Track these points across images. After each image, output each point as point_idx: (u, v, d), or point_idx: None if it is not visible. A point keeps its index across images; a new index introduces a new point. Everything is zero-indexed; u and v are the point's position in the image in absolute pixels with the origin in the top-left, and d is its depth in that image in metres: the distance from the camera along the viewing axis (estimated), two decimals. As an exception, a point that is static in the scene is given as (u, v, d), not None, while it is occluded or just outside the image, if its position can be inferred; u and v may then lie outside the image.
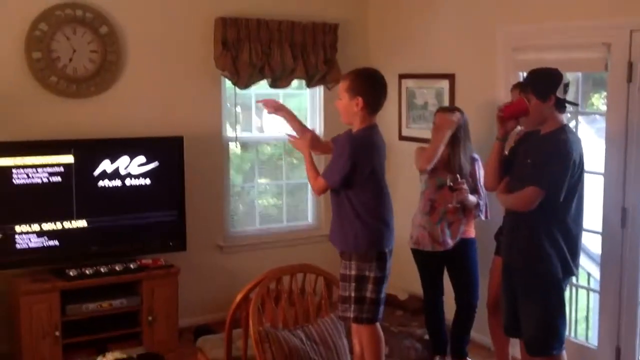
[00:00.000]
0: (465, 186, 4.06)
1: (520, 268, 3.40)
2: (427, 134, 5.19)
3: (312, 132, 3.75)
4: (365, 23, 5.78)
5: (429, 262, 4.30)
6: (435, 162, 4.14)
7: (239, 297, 3.46)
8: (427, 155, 4.18)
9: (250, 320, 3.30)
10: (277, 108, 3.80)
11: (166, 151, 4.80)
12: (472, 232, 4.28)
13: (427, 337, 4.58)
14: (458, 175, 4.08)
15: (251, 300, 3.37)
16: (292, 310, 3.53)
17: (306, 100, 5.74)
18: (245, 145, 5.51)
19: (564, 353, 3.45)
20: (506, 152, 3.58)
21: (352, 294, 3.37)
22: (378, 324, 3.48)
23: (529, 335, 3.41)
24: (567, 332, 3.65)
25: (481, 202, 4.22)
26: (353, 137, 3.41)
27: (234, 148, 5.40)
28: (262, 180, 5.65)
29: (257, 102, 3.99)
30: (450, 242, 4.19)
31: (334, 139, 3.62)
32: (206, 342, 3.85)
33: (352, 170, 3.33)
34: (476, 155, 4.27)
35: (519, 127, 3.61)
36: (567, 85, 3.40)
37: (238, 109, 5.33)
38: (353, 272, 3.37)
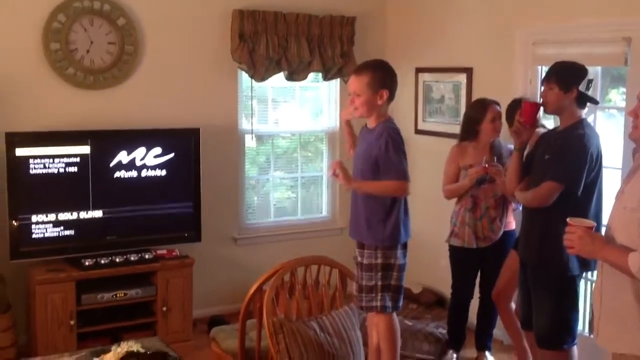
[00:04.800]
0: (500, 167, 4.05)
1: (535, 263, 3.39)
2: (444, 128, 5.20)
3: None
4: (383, 16, 5.76)
5: (468, 260, 4.28)
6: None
7: (253, 288, 3.46)
8: (452, 191, 4.28)
9: (264, 311, 3.31)
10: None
11: (182, 143, 4.81)
12: (512, 224, 4.26)
13: (441, 330, 4.57)
14: (495, 157, 4.09)
15: (265, 291, 3.37)
16: (306, 302, 3.53)
17: (322, 94, 5.73)
18: (260, 138, 5.51)
19: (575, 348, 3.44)
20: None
21: (379, 283, 3.37)
22: (395, 315, 3.48)
23: (540, 328, 3.40)
24: (579, 327, 3.62)
25: None
26: (391, 129, 3.37)
27: (250, 141, 5.40)
28: (277, 173, 5.65)
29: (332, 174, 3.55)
30: (494, 237, 4.17)
31: (364, 134, 3.53)
32: (220, 332, 3.86)
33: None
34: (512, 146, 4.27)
35: (541, 129, 3.62)
36: (590, 82, 3.38)
37: (254, 101, 5.33)
38: (379, 261, 3.36)
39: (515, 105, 3.86)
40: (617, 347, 2.47)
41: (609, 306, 2.49)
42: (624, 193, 2.46)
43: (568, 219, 2.50)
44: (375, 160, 3.31)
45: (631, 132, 2.48)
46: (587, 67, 3.41)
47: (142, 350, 3.06)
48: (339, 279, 3.65)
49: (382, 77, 3.36)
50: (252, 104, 5.29)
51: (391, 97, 3.39)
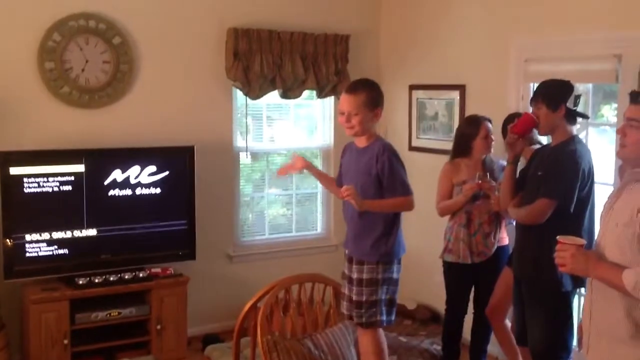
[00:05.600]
0: (493, 183, 4.08)
1: (529, 278, 3.40)
2: (437, 145, 5.22)
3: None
4: (377, 34, 5.80)
5: (463, 275, 4.28)
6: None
7: (247, 305, 3.46)
8: (447, 208, 4.28)
9: (258, 329, 3.30)
10: (306, 167, 3.70)
11: (177, 161, 4.82)
12: (506, 240, 4.28)
13: (435, 346, 4.57)
14: (488, 174, 4.12)
15: (260, 309, 3.37)
16: (300, 320, 3.53)
17: (316, 111, 5.76)
18: (255, 155, 5.53)
19: (571, 364, 3.44)
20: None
21: (383, 297, 3.38)
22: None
23: (535, 344, 3.40)
24: (574, 342, 3.62)
25: None
26: (388, 146, 3.42)
27: (244, 158, 5.42)
28: (272, 190, 5.66)
29: (279, 173, 3.93)
30: (488, 253, 4.19)
31: (354, 154, 3.54)
32: (214, 350, 3.87)
33: None
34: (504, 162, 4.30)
35: (536, 145, 3.64)
36: (578, 97, 3.41)
37: (249, 119, 5.35)
38: (381, 276, 3.37)
39: (511, 119, 3.88)
40: None
41: (600, 322, 2.49)
42: (614, 210, 2.47)
43: (558, 237, 2.51)
44: (377, 176, 3.33)
45: (619, 150, 2.50)
46: (576, 83, 3.44)
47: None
48: (333, 296, 3.65)
49: (377, 95, 3.40)
50: (246, 122, 5.31)
51: (381, 115, 3.44)
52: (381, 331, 3.48)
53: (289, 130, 5.66)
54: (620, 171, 2.57)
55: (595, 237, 2.61)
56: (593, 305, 2.52)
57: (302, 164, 3.63)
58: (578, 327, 2.78)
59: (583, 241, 2.50)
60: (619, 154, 2.51)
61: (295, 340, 3.39)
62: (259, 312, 3.35)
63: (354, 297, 3.41)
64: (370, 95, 3.35)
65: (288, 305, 3.49)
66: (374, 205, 3.33)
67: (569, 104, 3.37)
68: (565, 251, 2.46)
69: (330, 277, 3.70)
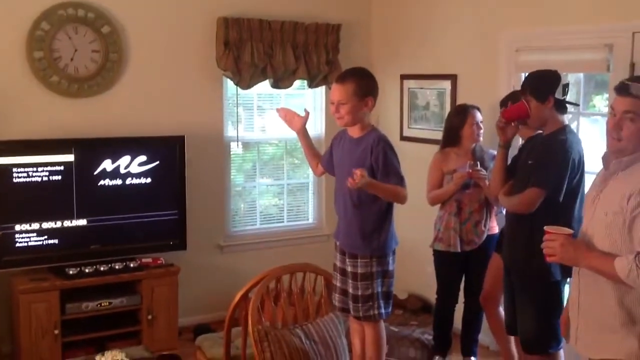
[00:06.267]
0: (483, 172, 4.08)
1: (519, 268, 3.40)
2: (429, 135, 5.21)
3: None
4: (368, 24, 5.78)
5: (453, 264, 4.30)
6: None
7: (238, 295, 3.45)
8: (437, 197, 4.29)
9: (249, 319, 3.29)
10: (301, 131, 3.71)
11: (167, 150, 4.79)
12: (495, 228, 4.29)
13: (427, 336, 4.58)
14: (478, 162, 4.13)
15: (250, 299, 3.36)
16: (291, 310, 3.52)
17: (308, 101, 5.73)
18: (246, 145, 5.50)
19: (562, 352, 3.45)
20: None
21: (377, 290, 3.37)
22: (382, 321, 3.49)
23: (525, 333, 3.41)
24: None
25: None
26: (383, 137, 3.40)
27: (236, 148, 5.39)
28: (264, 180, 5.64)
29: (278, 109, 3.87)
30: (478, 241, 4.21)
31: (347, 144, 3.52)
32: (205, 340, 3.85)
33: None
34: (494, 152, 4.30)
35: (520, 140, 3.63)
36: (566, 86, 3.40)
37: (240, 109, 5.32)
38: (375, 269, 3.36)
39: (505, 102, 3.87)
40: (598, 353, 2.48)
41: (588, 312, 2.50)
42: (601, 199, 2.47)
43: (546, 227, 2.51)
44: (371, 168, 3.30)
45: (612, 143, 2.47)
46: (567, 73, 3.43)
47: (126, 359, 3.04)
48: (325, 286, 3.64)
49: (367, 84, 3.36)
50: (237, 111, 5.29)
51: (374, 104, 3.40)
52: (381, 323, 3.48)
53: (280, 120, 5.60)
54: (606, 160, 2.57)
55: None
56: (581, 295, 2.52)
57: (300, 126, 3.61)
58: (562, 319, 2.80)
59: (571, 231, 2.50)
60: (612, 147, 2.48)
61: (286, 329, 3.38)
62: (249, 302, 3.34)
63: (351, 291, 3.40)
64: (359, 85, 3.32)
65: (279, 295, 3.48)
66: (376, 187, 3.28)
67: (558, 94, 3.36)
68: (554, 241, 2.45)
69: (321, 266, 3.69)
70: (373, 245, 3.36)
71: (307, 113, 3.71)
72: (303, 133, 3.71)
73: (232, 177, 5.39)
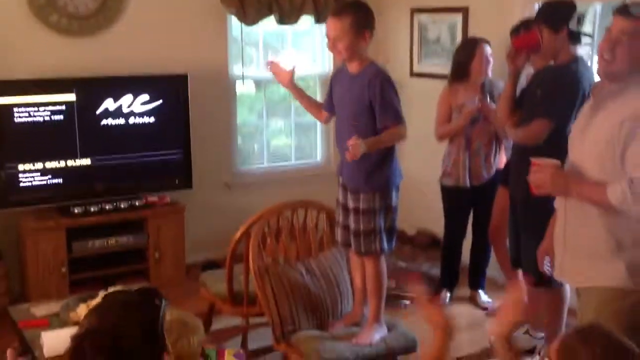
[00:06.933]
0: (492, 106, 4.00)
1: (524, 201, 3.34)
2: (440, 70, 5.07)
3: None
4: (376, -44, 5.57)
5: (461, 199, 4.26)
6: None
7: (238, 233, 3.44)
8: (446, 132, 4.22)
9: (250, 255, 3.27)
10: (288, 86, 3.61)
11: (170, 89, 4.72)
12: (503, 162, 4.22)
13: (434, 271, 4.57)
14: (488, 96, 4.05)
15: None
16: (293, 245, 3.49)
17: (316, 38, 5.60)
18: (258, 84, 5.40)
19: (567, 286, 3.40)
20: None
21: (380, 225, 3.31)
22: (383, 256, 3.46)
23: (529, 267, 3.35)
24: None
25: None
26: (382, 71, 3.27)
27: (244, 87, 5.28)
28: (271, 119, 5.56)
29: (268, 62, 3.72)
30: (487, 176, 4.16)
31: (344, 79, 3.40)
32: (209, 276, 3.86)
33: None
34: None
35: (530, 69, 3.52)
36: (581, 17, 3.28)
37: (246, 46, 5.21)
38: (378, 204, 3.29)
39: (517, 30, 3.74)
40: (585, 282, 2.46)
41: (575, 243, 2.46)
42: (591, 127, 2.40)
43: (532, 159, 2.44)
44: (369, 103, 3.20)
45: (603, 65, 2.37)
46: (583, 2, 3.30)
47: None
48: (327, 222, 3.60)
49: (364, 17, 3.22)
50: (242, 49, 5.17)
51: (371, 37, 3.27)
52: (382, 258, 3.44)
53: (288, 57, 5.51)
54: (596, 88, 2.47)
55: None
56: (567, 226, 2.47)
57: (287, 81, 3.54)
58: (540, 252, 2.75)
59: (558, 162, 2.42)
60: (604, 69, 2.39)
61: (287, 265, 3.36)
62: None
63: (352, 226, 3.35)
64: (355, 18, 3.18)
65: (280, 231, 3.45)
66: (376, 144, 3.21)
67: (572, 24, 3.24)
68: (543, 172, 2.39)
69: (326, 204, 3.64)
70: (375, 181, 3.28)
71: (294, 67, 3.58)
72: (292, 87, 3.60)
73: (237, 115, 5.31)
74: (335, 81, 3.44)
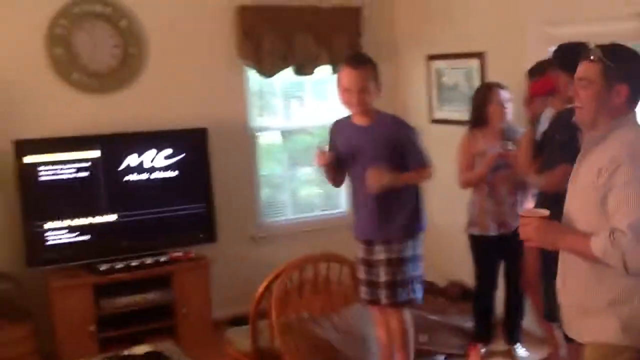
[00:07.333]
0: (515, 151, 3.94)
1: (554, 250, 3.28)
2: (459, 116, 5.08)
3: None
4: (391, 4, 5.63)
5: (489, 248, 4.17)
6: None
7: (261, 288, 3.44)
8: (469, 180, 4.16)
9: (273, 312, 3.26)
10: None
11: (191, 143, 4.78)
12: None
13: (468, 324, 4.47)
14: (509, 142, 4.00)
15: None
16: (317, 300, 3.47)
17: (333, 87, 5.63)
18: (283, 134, 5.48)
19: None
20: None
21: (413, 274, 3.34)
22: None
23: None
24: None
25: None
26: (396, 116, 3.43)
27: (271, 138, 5.36)
28: (299, 169, 5.58)
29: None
30: (514, 223, 4.07)
31: (353, 130, 3.43)
32: (234, 333, 3.84)
33: None
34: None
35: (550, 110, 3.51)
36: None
37: (266, 98, 5.28)
38: (410, 253, 3.34)
39: (534, 70, 3.75)
40: (585, 336, 2.39)
41: (572, 296, 2.40)
42: (578, 176, 2.37)
43: (519, 211, 2.42)
44: (394, 148, 3.26)
45: (577, 113, 2.37)
46: (590, 42, 3.29)
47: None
48: (351, 275, 3.57)
49: (377, 69, 3.32)
50: (260, 101, 5.24)
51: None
52: (408, 311, 3.42)
53: (307, 107, 5.56)
54: (584, 137, 2.46)
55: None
56: (561, 277, 2.42)
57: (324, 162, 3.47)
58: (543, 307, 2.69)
59: (546, 212, 2.37)
60: (577, 117, 2.38)
61: (311, 321, 3.34)
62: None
63: (383, 279, 3.33)
64: (374, 69, 3.28)
65: (303, 285, 3.44)
66: (400, 178, 3.23)
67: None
68: (528, 225, 2.34)
69: (351, 255, 3.62)
70: (409, 229, 3.34)
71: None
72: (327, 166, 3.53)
73: (260, 166, 5.34)
74: (339, 134, 3.44)
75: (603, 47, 2.32)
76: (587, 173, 2.30)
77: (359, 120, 3.34)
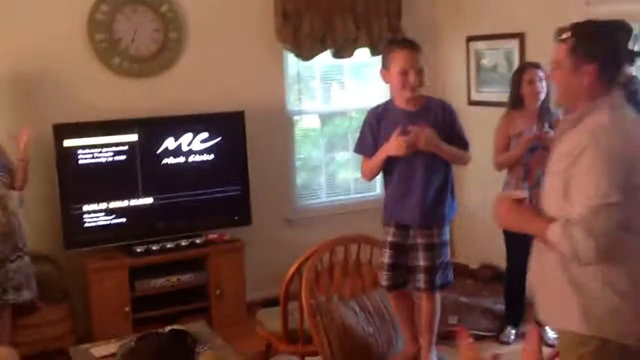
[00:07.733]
0: (551, 133, 3.87)
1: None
2: (498, 97, 4.98)
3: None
4: (431, -15, 5.56)
5: None
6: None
7: (291, 270, 3.43)
8: (504, 161, 4.12)
9: (302, 293, 3.25)
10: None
11: (229, 126, 4.79)
12: None
13: (498, 306, 4.42)
14: (546, 124, 3.93)
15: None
16: (347, 282, 3.46)
17: (372, 69, 5.58)
18: (322, 118, 5.45)
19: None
20: None
21: (448, 258, 3.43)
22: None
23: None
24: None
25: None
26: (444, 101, 3.46)
27: (310, 122, 5.36)
28: (336, 153, 5.56)
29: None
30: None
31: (404, 117, 3.36)
32: (265, 314, 3.85)
33: None
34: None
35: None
36: (635, 36, 3.15)
37: (304, 81, 5.26)
38: (446, 237, 3.40)
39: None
40: (554, 323, 2.37)
41: (542, 283, 2.35)
42: (551, 162, 2.30)
43: (497, 193, 2.39)
44: (442, 132, 3.27)
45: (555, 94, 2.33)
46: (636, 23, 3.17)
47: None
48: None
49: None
50: (299, 84, 5.22)
51: None
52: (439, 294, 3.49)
53: (346, 91, 5.52)
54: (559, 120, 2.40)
55: None
56: (537, 262, 2.37)
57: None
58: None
59: (522, 194, 2.33)
60: (555, 98, 2.37)
61: (340, 302, 3.32)
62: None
63: (422, 263, 3.32)
64: (424, 52, 3.33)
65: (333, 267, 3.42)
66: (443, 147, 3.26)
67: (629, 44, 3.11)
68: (501, 206, 2.30)
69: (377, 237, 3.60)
70: (449, 213, 3.39)
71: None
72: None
73: (297, 150, 5.35)
74: (385, 121, 3.38)
75: (573, 25, 2.22)
76: (557, 157, 2.22)
77: (406, 105, 3.28)
